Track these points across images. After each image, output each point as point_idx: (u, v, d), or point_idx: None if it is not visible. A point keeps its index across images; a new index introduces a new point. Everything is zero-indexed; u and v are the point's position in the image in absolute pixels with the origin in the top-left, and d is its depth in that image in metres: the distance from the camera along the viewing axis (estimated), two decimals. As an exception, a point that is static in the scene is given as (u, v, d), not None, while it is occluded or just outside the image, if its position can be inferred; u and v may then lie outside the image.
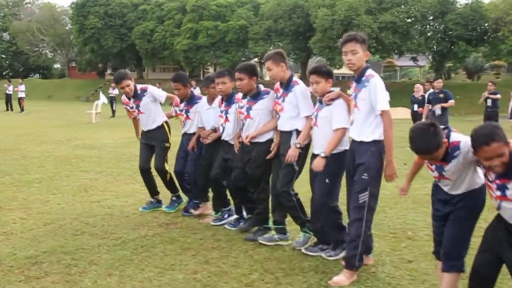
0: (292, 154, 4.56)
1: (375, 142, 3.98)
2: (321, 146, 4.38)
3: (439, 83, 12.56)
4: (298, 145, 4.57)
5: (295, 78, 4.79)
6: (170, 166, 6.17)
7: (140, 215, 5.96)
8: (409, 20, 37.24)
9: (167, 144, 6.13)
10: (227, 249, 4.75)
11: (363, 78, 4.00)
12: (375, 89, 3.91)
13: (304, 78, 41.70)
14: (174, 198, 6.28)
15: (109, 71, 56.20)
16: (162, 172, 6.12)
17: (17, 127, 17.60)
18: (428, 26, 38.41)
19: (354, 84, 4.10)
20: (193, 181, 6.00)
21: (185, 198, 6.29)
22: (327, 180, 4.36)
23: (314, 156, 4.46)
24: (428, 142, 3.11)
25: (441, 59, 39.52)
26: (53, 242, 4.87)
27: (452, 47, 37.36)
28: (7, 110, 27.76)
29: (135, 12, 48.99)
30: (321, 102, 4.43)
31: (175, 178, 6.20)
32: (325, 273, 4.19)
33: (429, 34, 38.38)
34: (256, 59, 42.44)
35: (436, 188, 3.55)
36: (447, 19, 36.02)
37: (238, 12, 42.82)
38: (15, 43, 60.52)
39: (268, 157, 4.90)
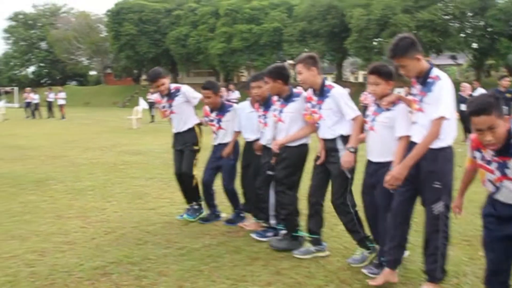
0: (347, 160, 4.31)
1: (444, 148, 3.70)
2: (378, 153, 4.11)
3: (506, 81, 11.92)
4: (352, 150, 4.31)
5: (328, 81, 4.57)
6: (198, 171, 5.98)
7: (199, 223, 5.84)
8: (447, 18, 36.43)
9: (196, 147, 5.92)
10: (296, 259, 4.56)
11: (429, 81, 3.69)
12: (439, 94, 3.61)
13: (339, 79, 41.42)
14: (196, 207, 6.02)
15: (144, 77, 56.95)
16: (189, 177, 5.88)
17: (61, 134, 17.88)
18: (467, 23, 37.48)
19: (419, 86, 3.80)
20: (230, 193, 5.82)
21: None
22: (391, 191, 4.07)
23: (370, 163, 4.21)
24: (487, 101, 2.83)
25: (482, 57, 38.51)
26: (118, 252, 4.79)
27: (493, 44, 36.34)
28: (49, 117, 28.36)
29: (168, 18, 49.46)
30: (379, 105, 4.15)
31: (201, 189, 5.97)
32: (405, 284, 3.97)
33: (468, 31, 37.46)
34: (291, 61, 42.25)
35: (492, 203, 3.11)
36: (487, 15, 35.00)
37: (272, 15, 42.78)
38: (53, 52, 61.99)
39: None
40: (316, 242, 4.69)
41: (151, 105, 23.82)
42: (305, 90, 4.77)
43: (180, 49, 46.97)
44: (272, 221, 5.23)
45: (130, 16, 49.67)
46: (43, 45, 66.05)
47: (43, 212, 6.35)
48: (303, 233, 4.86)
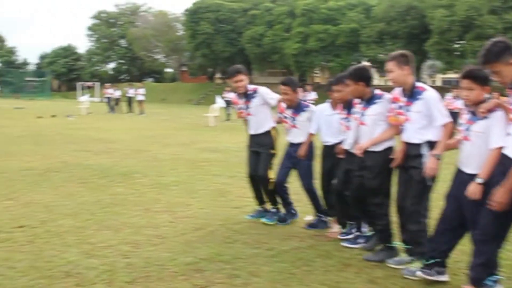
0: (432, 167, 4.10)
1: None
2: (475, 164, 3.78)
3: None
4: (438, 157, 4.09)
5: (419, 83, 4.31)
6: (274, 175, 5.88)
7: (286, 224, 5.79)
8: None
9: (272, 151, 5.84)
10: (390, 268, 4.40)
11: None
12: None
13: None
14: (274, 210, 5.97)
15: (218, 75, 58.00)
16: (265, 180, 5.82)
17: (141, 129, 18.45)
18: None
19: None
20: (311, 193, 5.71)
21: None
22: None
23: (461, 173, 3.92)
24: None
25: None
26: (208, 249, 4.81)
27: None
28: (128, 112, 29.42)
29: (244, 17, 50.01)
30: (473, 112, 3.86)
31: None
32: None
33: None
34: (368, 63, 41.61)
35: None
36: None
37: (349, 15, 42.19)
38: (132, 49, 64.44)
39: (392, 165, 4.47)
40: (411, 252, 4.49)
41: (228, 103, 24.13)
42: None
43: (255, 48, 47.35)
44: (364, 229, 5.08)
45: (207, 15, 50.66)
46: (123, 42, 68.83)
47: (131, 205, 6.53)
48: (398, 243, 4.67)
